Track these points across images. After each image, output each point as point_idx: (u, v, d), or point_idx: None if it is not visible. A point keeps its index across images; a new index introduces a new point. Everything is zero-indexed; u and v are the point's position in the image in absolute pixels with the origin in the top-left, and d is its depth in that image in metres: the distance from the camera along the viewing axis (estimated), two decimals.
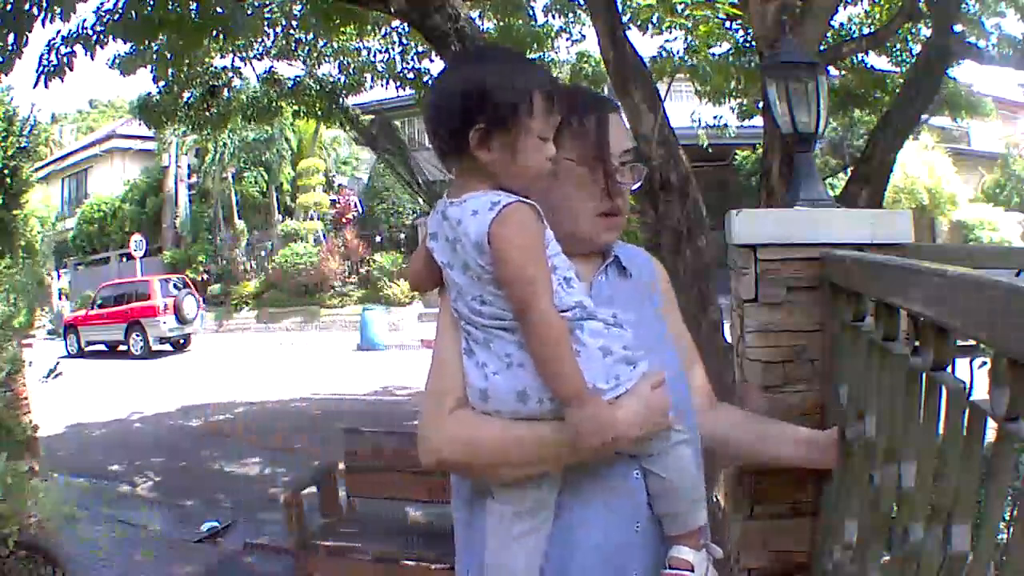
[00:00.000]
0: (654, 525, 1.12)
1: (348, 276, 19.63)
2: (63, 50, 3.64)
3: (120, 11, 3.78)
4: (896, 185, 15.42)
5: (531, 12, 6.92)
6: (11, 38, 3.19)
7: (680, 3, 5.65)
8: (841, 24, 6.16)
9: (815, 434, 1.46)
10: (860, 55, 6.08)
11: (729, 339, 2.05)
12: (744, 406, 1.61)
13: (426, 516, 4.36)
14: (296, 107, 7.41)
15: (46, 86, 3.63)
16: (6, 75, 3.42)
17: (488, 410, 1.06)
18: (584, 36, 7.35)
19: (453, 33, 3.86)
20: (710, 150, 9.23)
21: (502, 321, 1.05)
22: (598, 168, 1.20)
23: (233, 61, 6.89)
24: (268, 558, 4.43)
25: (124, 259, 22.48)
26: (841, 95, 6.53)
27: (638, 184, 1.25)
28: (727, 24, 5.78)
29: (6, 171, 5.28)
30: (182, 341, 17.04)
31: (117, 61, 5.45)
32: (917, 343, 1.15)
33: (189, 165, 22.82)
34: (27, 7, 3.08)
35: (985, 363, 1.21)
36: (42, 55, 3.64)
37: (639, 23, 5.66)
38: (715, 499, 2.56)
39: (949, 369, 1.09)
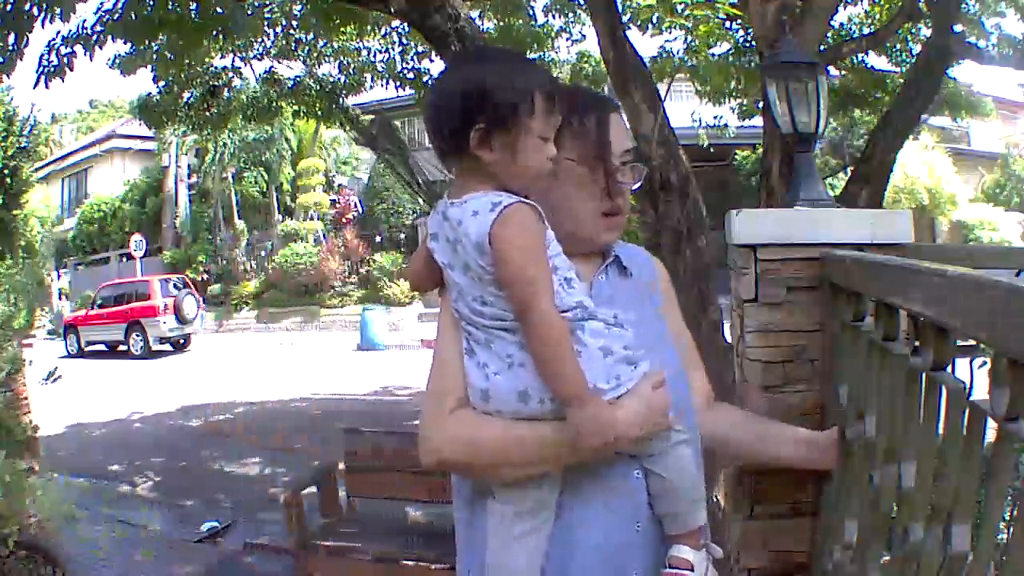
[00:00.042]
0: (654, 525, 1.12)
1: (348, 276, 19.62)
2: (63, 50, 3.63)
3: (120, 11, 3.78)
4: (896, 185, 15.42)
5: (531, 12, 6.92)
6: (11, 38, 3.19)
7: (680, 3, 5.65)
8: (841, 24, 6.16)
9: (815, 434, 1.47)
10: (860, 55, 6.08)
11: (729, 339, 2.06)
12: (744, 406, 1.61)
13: (426, 516, 4.35)
14: (296, 107, 7.41)
15: (46, 86, 3.63)
16: (8, 76, 3.42)
17: (489, 410, 1.06)
18: (584, 36, 7.36)
19: (453, 33, 3.86)
20: (710, 150, 9.23)
21: (503, 322, 1.05)
22: (598, 168, 1.20)
23: (233, 61, 6.89)
24: (268, 558, 4.43)
25: (124, 259, 22.47)
26: (841, 95, 6.54)
27: (638, 184, 1.25)
28: (727, 24, 5.78)
29: (6, 171, 5.29)
30: (182, 341, 17.04)
31: (117, 61, 5.46)
32: (917, 343, 1.15)
33: (189, 165, 22.81)
34: (27, 7, 3.08)
35: (985, 363, 1.21)
36: (42, 55, 3.64)
37: (639, 23, 5.66)
38: (715, 499, 2.56)
39: (949, 369, 1.09)
